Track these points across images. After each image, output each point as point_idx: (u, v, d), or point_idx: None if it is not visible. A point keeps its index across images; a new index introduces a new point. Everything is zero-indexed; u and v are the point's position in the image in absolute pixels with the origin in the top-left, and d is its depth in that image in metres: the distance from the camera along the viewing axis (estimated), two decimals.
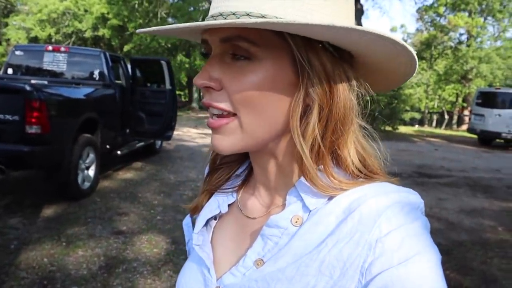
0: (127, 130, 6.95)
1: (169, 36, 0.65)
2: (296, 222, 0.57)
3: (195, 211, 0.73)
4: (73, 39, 27.38)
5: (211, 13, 0.55)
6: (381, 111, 19.02)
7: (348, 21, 0.56)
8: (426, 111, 31.74)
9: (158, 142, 8.94)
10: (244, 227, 0.66)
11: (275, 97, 0.54)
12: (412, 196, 0.56)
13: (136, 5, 23.90)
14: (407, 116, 23.69)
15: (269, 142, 0.59)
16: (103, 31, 26.19)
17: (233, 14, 0.52)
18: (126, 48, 25.45)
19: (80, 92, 5.70)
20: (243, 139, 0.56)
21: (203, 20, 0.62)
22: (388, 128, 19.18)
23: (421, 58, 30.03)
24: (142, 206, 5.19)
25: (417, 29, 32.21)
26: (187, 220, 0.76)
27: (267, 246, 0.59)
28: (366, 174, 0.58)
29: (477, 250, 4.40)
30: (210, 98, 0.57)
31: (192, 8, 24.41)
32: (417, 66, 0.57)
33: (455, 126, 27.31)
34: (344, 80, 0.55)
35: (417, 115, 31.73)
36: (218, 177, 0.72)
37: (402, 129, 20.69)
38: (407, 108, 23.24)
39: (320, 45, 0.53)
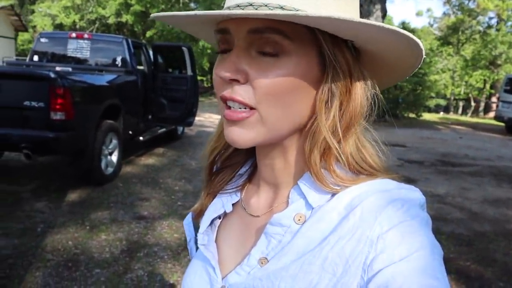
0: (149, 116, 7.04)
1: (183, 29, 0.64)
2: (299, 220, 0.58)
3: (200, 215, 0.73)
4: (96, 25, 27.70)
5: (235, 1, 0.54)
6: (405, 98, 18.72)
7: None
8: (452, 97, 31.01)
9: (180, 128, 9.01)
10: (248, 226, 0.66)
11: (301, 92, 0.55)
12: (413, 193, 0.56)
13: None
14: (432, 102, 23.20)
15: (287, 137, 0.59)
16: (126, 17, 26.40)
17: (266, 5, 0.51)
18: (148, 34, 25.62)
19: (103, 79, 5.78)
20: (265, 133, 0.56)
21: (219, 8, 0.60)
22: (412, 115, 18.85)
23: (447, 43, 29.29)
24: (163, 192, 5.28)
25: (444, 13, 31.36)
26: (187, 219, 0.77)
27: (270, 245, 0.59)
28: (367, 171, 0.59)
29: (500, 241, 4.32)
30: (232, 91, 0.55)
31: None
32: (423, 59, 0.57)
33: (482, 114, 26.65)
34: (362, 78, 0.57)
35: (443, 102, 31.03)
36: (221, 180, 0.71)
37: (426, 116, 20.31)
38: (432, 94, 22.73)
39: (344, 43, 0.55)
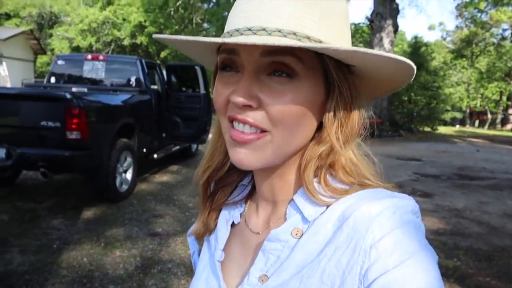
0: (163, 134, 7.11)
1: (181, 51, 0.66)
2: (296, 234, 0.59)
3: (203, 235, 0.74)
4: (112, 46, 28.30)
5: (245, 24, 0.54)
6: (419, 112, 18.58)
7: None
8: (468, 110, 30.66)
9: (194, 146, 9.09)
10: (249, 242, 0.66)
11: (309, 115, 0.56)
12: (405, 201, 0.56)
13: (172, 12, 24.45)
14: (447, 116, 22.96)
15: (290, 158, 0.60)
16: (141, 39, 26.95)
17: (279, 31, 0.52)
18: (162, 54, 26.09)
19: (118, 99, 5.89)
20: (272, 155, 0.57)
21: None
22: (427, 129, 18.67)
23: (461, 56, 29.10)
24: (178, 209, 5.30)
25: (457, 26, 31.26)
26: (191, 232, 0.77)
27: (269, 261, 0.60)
28: (359, 181, 0.60)
29: None
30: (245, 114, 0.55)
31: (226, 13, 24.72)
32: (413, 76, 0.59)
33: (499, 126, 26.23)
34: (359, 98, 0.60)
35: (459, 115, 30.70)
36: (223, 194, 0.72)
37: (442, 129, 20.09)
38: (448, 108, 22.51)
39: (346, 67, 0.57)
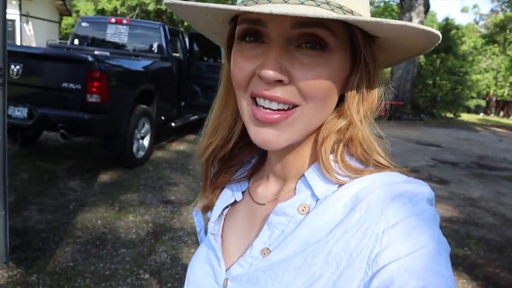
0: (182, 103, 7.13)
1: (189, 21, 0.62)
2: (303, 210, 0.57)
3: (207, 209, 0.73)
4: (137, 11, 28.19)
5: None
6: (443, 97, 18.19)
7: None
8: (494, 98, 29.87)
9: None
10: (254, 214, 0.65)
11: (335, 89, 0.55)
12: (421, 187, 0.54)
13: None
14: (472, 103, 22.44)
15: (312, 134, 0.59)
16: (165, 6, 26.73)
17: (327, 3, 0.50)
18: (186, 22, 25.88)
19: (139, 64, 5.89)
20: (302, 131, 0.55)
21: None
22: (450, 115, 18.32)
23: (493, 41, 28.16)
24: (192, 178, 5.36)
25: (492, 10, 30.08)
26: (197, 210, 0.76)
27: (273, 235, 0.58)
28: (376, 162, 0.58)
29: None
30: (274, 91, 0.52)
31: None
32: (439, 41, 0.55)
33: None
34: (380, 71, 0.58)
35: (484, 103, 29.95)
36: (227, 174, 0.70)
37: (465, 116, 19.68)
38: (473, 94, 21.97)
39: (371, 39, 0.55)
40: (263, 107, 0.53)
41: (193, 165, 5.91)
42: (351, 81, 0.56)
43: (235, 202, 0.69)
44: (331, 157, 0.57)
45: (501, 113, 27.86)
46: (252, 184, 0.69)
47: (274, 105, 0.52)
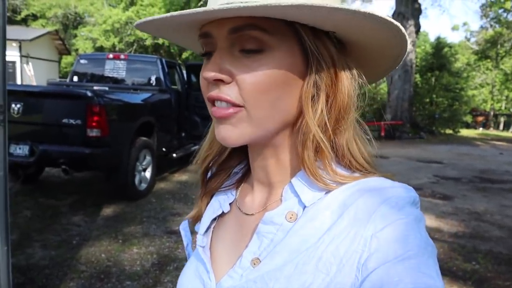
0: (183, 134, 7.18)
1: (168, 39, 0.66)
2: (291, 218, 0.57)
3: (197, 220, 0.73)
4: (134, 47, 28.68)
5: (217, 2, 0.53)
6: (441, 114, 18.28)
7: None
8: (492, 113, 29.99)
9: None
10: (242, 225, 0.65)
11: (286, 88, 0.55)
12: (406, 191, 0.55)
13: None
14: (470, 118, 22.51)
15: (276, 134, 0.58)
16: (163, 39, 27.20)
17: (240, 2, 0.50)
18: (184, 54, 26.32)
19: (138, 97, 5.97)
20: (252, 130, 0.55)
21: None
22: (449, 131, 18.36)
23: (486, 57, 28.50)
24: None
25: (481, 27, 30.56)
26: (184, 224, 0.76)
27: (263, 244, 0.58)
28: (362, 167, 0.59)
29: None
30: (218, 91, 0.55)
31: None
32: (407, 48, 0.56)
33: None
34: (347, 69, 0.57)
35: (482, 118, 30.02)
36: (217, 180, 0.71)
37: (464, 132, 19.72)
38: (476, 111, 22.05)
39: (325, 35, 0.55)
40: (217, 106, 0.56)
41: (195, 194, 5.90)
42: (305, 82, 0.55)
43: (223, 213, 0.69)
44: (318, 163, 0.56)
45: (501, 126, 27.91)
46: (239, 195, 0.69)
47: (224, 105, 0.55)
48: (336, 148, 0.58)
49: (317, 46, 0.54)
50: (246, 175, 0.71)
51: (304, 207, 0.57)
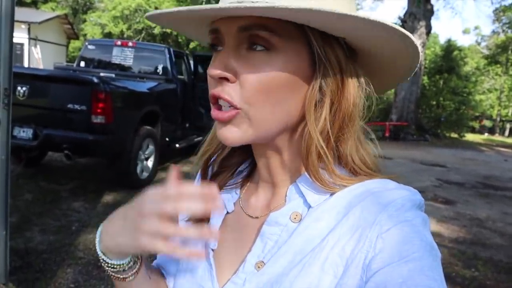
0: (187, 124, 7.16)
1: (179, 31, 0.66)
2: (295, 218, 0.57)
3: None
4: (143, 35, 28.64)
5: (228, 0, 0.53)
6: (448, 117, 18.19)
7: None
8: (498, 119, 29.81)
9: None
10: (246, 227, 0.64)
11: (290, 90, 0.54)
12: (412, 193, 0.55)
13: (203, 3, 24.55)
14: (476, 123, 22.41)
15: (278, 136, 0.58)
16: (171, 28, 27.17)
17: (252, 2, 0.50)
18: (192, 44, 26.28)
19: (144, 86, 5.95)
20: (253, 131, 0.55)
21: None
22: (454, 135, 18.28)
23: (496, 62, 28.31)
24: None
25: (493, 31, 30.31)
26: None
27: (267, 247, 0.58)
28: (366, 171, 0.58)
29: None
30: (221, 89, 0.54)
31: None
32: (420, 60, 0.55)
33: None
34: (354, 76, 0.56)
35: (488, 123, 29.88)
36: (220, 179, 0.69)
37: (470, 137, 19.62)
38: (477, 115, 21.96)
39: (335, 41, 0.54)
40: (218, 107, 0.55)
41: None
42: (311, 85, 0.55)
43: (227, 213, 0.68)
44: (321, 166, 0.56)
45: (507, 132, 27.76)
46: (244, 195, 0.68)
47: (227, 104, 0.54)
48: (339, 155, 0.58)
49: (325, 51, 0.54)
50: (251, 174, 0.70)
51: (309, 207, 0.57)
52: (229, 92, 0.54)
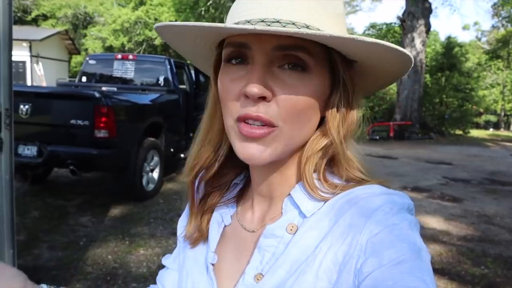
0: (191, 134, 7.18)
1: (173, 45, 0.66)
2: (291, 230, 0.59)
3: (198, 241, 0.70)
4: (144, 46, 28.78)
5: (256, 15, 0.53)
6: (451, 114, 18.13)
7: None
8: (503, 113, 29.64)
9: None
10: (244, 240, 0.65)
11: (316, 109, 0.57)
12: (401, 197, 0.56)
13: (203, 12, 24.66)
14: (480, 119, 22.29)
15: (294, 153, 0.61)
16: None
17: (293, 23, 0.52)
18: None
19: (146, 98, 5.98)
20: (283, 148, 0.56)
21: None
22: (459, 132, 18.19)
23: (497, 56, 28.20)
24: None
25: (493, 26, 30.23)
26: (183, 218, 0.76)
27: (265, 259, 0.59)
28: (357, 178, 0.60)
29: None
30: (257, 109, 0.53)
31: None
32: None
33: None
34: (359, 94, 0.61)
35: (493, 118, 29.70)
36: (216, 195, 0.70)
37: (474, 133, 19.53)
38: (481, 110, 21.85)
39: (350, 62, 0.58)
40: (249, 124, 0.55)
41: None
42: (331, 102, 0.58)
43: (225, 226, 0.69)
44: (315, 175, 0.59)
45: None
46: (240, 209, 0.69)
47: (258, 123, 0.54)
48: (335, 161, 0.60)
49: (345, 72, 0.58)
50: (246, 186, 0.71)
51: (304, 217, 0.58)
52: (267, 111, 0.54)
